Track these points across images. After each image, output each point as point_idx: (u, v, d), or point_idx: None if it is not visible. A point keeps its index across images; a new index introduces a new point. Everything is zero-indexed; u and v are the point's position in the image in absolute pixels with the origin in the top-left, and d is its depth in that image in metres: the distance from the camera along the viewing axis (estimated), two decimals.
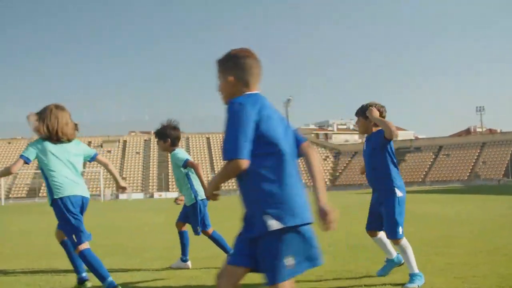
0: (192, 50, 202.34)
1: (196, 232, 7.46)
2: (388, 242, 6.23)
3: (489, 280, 5.92)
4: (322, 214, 3.36)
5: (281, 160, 3.35)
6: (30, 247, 11.12)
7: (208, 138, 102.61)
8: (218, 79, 3.61)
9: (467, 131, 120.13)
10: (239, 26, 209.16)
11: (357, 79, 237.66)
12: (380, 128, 5.98)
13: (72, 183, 5.85)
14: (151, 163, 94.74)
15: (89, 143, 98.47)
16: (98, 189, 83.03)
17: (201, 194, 7.45)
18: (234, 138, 3.23)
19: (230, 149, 3.23)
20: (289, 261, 3.25)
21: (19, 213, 31.75)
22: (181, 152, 7.49)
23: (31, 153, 5.87)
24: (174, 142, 7.49)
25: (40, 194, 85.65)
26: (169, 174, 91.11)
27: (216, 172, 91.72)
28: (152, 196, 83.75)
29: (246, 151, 3.24)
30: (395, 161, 6.06)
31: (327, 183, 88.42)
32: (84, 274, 6.21)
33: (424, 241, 9.49)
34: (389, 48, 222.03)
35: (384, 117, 6.09)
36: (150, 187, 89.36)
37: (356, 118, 6.37)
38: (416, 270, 5.83)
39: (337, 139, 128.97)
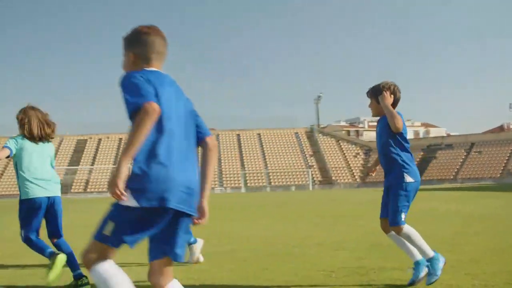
0: (221, 48, 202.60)
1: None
2: (406, 242, 5.81)
3: (498, 277, 5.94)
4: (199, 212, 3.45)
5: (165, 140, 3.25)
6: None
7: (238, 135, 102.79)
8: (123, 55, 3.54)
9: (500, 128, 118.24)
10: (268, 24, 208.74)
11: (388, 76, 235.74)
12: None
13: (39, 186, 6.07)
14: None
15: (120, 140, 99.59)
16: None
17: None
18: (135, 91, 3.19)
19: (133, 102, 3.17)
20: (109, 227, 3.25)
21: None
22: None
23: (13, 147, 6.05)
24: None
25: (72, 190, 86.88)
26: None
27: (245, 169, 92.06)
28: None
29: (152, 96, 3.17)
30: (406, 145, 5.81)
31: (357, 180, 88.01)
32: (80, 271, 6.19)
33: (438, 238, 9.46)
34: (422, 44, 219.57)
35: (398, 98, 5.85)
36: None
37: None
38: (432, 253, 5.57)
39: (368, 136, 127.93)
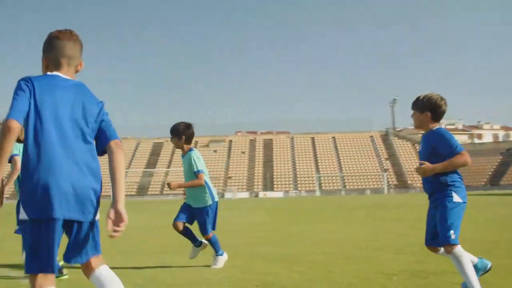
0: (297, 50, 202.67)
1: (206, 232, 7.53)
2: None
3: None
4: (116, 217, 3.21)
5: (46, 147, 3.21)
6: (143, 243, 11.60)
7: (313, 138, 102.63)
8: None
9: None
10: (342, 26, 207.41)
11: (466, 77, 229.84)
12: (438, 126, 5.37)
13: None
14: (256, 163, 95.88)
15: (196, 143, 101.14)
16: None
17: (216, 196, 7.74)
18: (12, 103, 3.17)
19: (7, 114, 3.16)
20: (29, 253, 3.15)
21: (130, 210, 32.90)
22: (199, 157, 7.62)
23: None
24: (189, 140, 7.68)
25: (148, 192, 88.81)
26: (274, 173, 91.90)
27: (321, 173, 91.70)
28: (257, 195, 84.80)
29: (16, 112, 3.15)
30: None
31: None
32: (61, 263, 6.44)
33: (501, 244, 9.22)
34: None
35: (443, 111, 5.35)
36: (255, 186, 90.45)
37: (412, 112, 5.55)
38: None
39: None
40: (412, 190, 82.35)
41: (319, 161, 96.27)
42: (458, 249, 5.02)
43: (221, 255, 7.61)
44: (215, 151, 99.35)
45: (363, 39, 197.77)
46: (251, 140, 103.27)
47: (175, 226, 7.62)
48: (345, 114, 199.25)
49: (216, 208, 7.67)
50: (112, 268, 3.37)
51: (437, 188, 5.28)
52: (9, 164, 5.64)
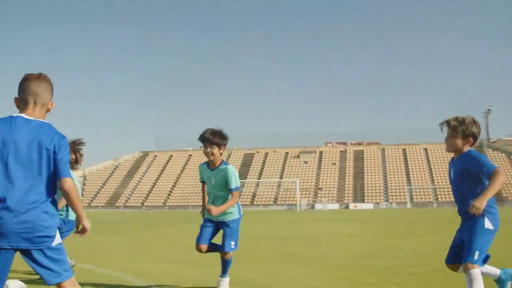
0: (386, 63, 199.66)
1: (229, 249, 6.82)
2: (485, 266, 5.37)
3: None
4: (82, 231, 4.17)
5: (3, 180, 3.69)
6: (270, 250, 12.11)
7: (404, 150, 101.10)
8: None
9: None
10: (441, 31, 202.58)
11: None
12: (470, 148, 5.23)
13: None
14: (346, 174, 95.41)
15: (286, 154, 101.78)
16: (294, 199, 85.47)
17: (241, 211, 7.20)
18: None
19: None
20: None
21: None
22: (235, 172, 6.87)
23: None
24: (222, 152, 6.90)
25: (240, 203, 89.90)
26: (365, 185, 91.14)
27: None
28: (347, 207, 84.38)
29: None
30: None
31: None
32: None
33: None
34: None
35: (478, 132, 5.23)
36: (346, 197, 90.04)
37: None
38: None
39: None
40: (507, 203, 79.58)
41: (410, 172, 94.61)
42: (476, 271, 4.94)
43: (227, 277, 7.06)
44: (305, 162, 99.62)
45: (457, 47, 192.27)
46: (341, 151, 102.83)
47: (200, 249, 6.86)
48: (436, 124, 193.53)
49: (238, 224, 7.01)
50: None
51: (470, 215, 5.08)
52: None
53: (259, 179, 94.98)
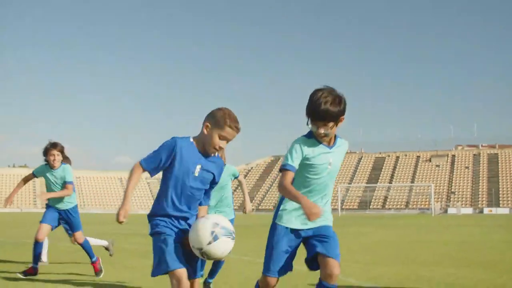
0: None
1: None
2: None
3: None
4: None
5: None
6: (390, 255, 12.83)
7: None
8: None
9: None
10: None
11: None
12: None
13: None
14: (480, 178, 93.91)
15: (418, 158, 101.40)
16: (426, 203, 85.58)
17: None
18: None
19: None
20: None
21: (352, 224, 34.04)
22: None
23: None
24: None
25: (371, 207, 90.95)
26: (500, 189, 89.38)
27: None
28: (481, 211, 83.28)
29: None
30: None
31: None
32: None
33: None
34: None
35: None
36: (480, 202, 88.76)
37: None
38: None
39: None
40: None
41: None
42: None
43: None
44: (437, 165, 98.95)
45: None
46: (474, 154, 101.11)
47: None
48: None
49: None
50: None
51: None
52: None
53: (390, 183, 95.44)
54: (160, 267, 4.21)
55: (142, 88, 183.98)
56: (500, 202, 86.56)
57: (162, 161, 4.30)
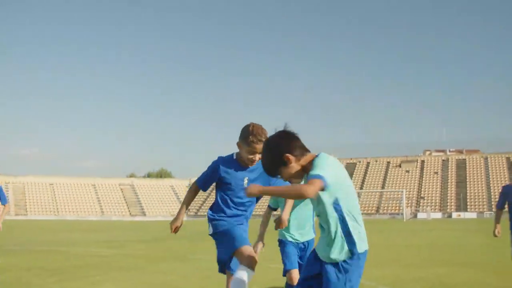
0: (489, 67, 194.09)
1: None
2: None
3: None
4: None
5: None
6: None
7: (508, 158, 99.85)
8: None
9: None
10: None
11: None
12: None
13: None
14: (449, 183, 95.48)
15: (388, 163, 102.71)
16: (397, 208, 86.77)
17: None
18: None
19: None
20: None
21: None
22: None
23: None
24: None
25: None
26: (467, 194, 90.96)
27: None
28: (450, 215, 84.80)
29: None
30: None
31: None
32: None
33: None
34: None
35: None
36: (448, 206, 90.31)
37: None
38: None
39: None
40: None
41: None
42: None
43: None
44: (407, 171, 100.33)
45: None
46: (443, 160, 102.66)
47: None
48: None
49: None
50: None
51: None
52: None
53: (361, 188, 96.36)
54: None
55: (109, 92, 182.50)
56: (468, 206, 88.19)
57: (210, 179, 5.07)
